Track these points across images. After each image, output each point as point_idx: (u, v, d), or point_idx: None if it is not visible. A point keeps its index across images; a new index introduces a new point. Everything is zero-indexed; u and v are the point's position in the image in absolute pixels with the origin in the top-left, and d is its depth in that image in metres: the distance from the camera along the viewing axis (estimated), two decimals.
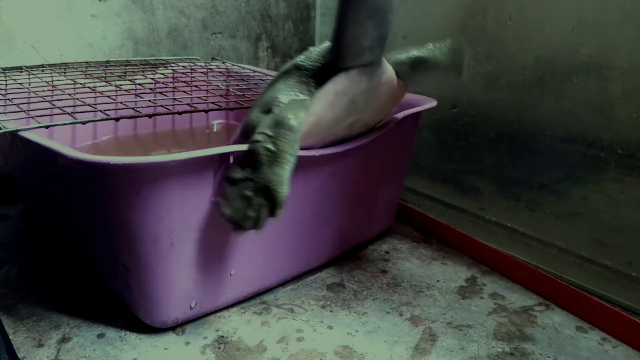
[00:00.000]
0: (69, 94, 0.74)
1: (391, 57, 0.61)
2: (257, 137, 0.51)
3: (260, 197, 0.50)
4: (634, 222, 0.65)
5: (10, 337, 0.56)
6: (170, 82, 0.89)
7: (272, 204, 0.50)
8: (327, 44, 0.59)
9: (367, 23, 0.51)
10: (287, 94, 0.56)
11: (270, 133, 0.51)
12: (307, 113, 0.53)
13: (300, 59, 0.60)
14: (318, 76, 0.57)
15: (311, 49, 0.61)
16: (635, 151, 0.64)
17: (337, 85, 0.55)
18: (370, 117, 0.63)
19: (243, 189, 0.50)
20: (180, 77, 0.91)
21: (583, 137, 0.69)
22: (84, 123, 0.60)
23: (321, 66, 0.58)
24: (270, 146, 0.50)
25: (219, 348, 0.56)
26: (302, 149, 0.56)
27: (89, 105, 0.65)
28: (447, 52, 0.62)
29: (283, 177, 0.50)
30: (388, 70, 0.59)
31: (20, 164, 0.77)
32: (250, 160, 0.51)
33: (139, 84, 0.85)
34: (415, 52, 0.62)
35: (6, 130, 0.56)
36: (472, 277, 0.72)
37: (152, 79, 0.89)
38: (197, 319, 0.60)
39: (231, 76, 0.98)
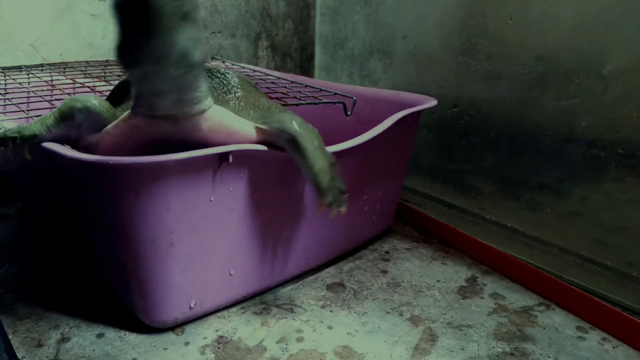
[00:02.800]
0: (69, 94, 0.74)
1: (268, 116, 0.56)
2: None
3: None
4: (634, 221, 0.65)
5: (10, 337, 0.56)
6: None
7: None
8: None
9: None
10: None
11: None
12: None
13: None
14: None
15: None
16: (635, 151, 0.63)
17: (132, 120, 0.51)
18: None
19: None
20: None
21: (583, 136, 0.69)
22: None
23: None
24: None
25: (219, 348, 0.56)
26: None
27: None
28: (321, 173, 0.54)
29: None
30: (225, 119, 0.53)
31: (20, 164, 0.76)
32: None
33: None
34: (289, 128, 0.54)
35: (6, 130, 0.55)
36: (473, 277, 0.72)
37: None
38: (197, 319, 0.60)
39: None
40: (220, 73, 0.59)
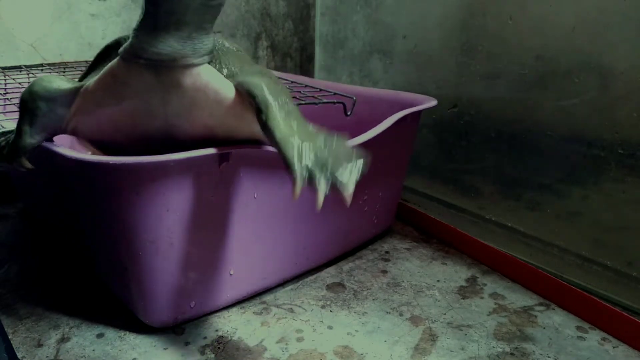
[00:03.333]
0: None
1: (244, 79, 0.49)
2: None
3: None
4: (634, 221, 0.65)
5: (10, 337, 0.56)
6: None
7: None
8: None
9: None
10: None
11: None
12: (82, 87, 0.49)
13: (125, 36, 0.51)
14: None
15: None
16: (635, 151, 0.63)
17: (115, 68, 0.47)
18: (191, 127, 0.50)
19: None
20: None
21: (583, 136, 0.69)
22: None
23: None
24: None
25: (219, 348, 0.56)
26: (97, 139, 0.53)
27: None
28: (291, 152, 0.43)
29: None
30: (213, 80, 0.48)
31: None
32: None
33: None
34: (262, 99, 0.46)
35: (5, 130, 0.55)
36: (473, 277, 0.72)
37: None
38: (197, 319, 0.60)
39: None
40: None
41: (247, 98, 0.47)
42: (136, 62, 0.46)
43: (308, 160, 0.42)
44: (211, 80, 0.48)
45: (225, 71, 0.50)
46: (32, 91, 0.50)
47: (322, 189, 0.40)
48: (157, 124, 0.49)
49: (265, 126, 0.45)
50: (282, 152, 0.43)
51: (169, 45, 0.44)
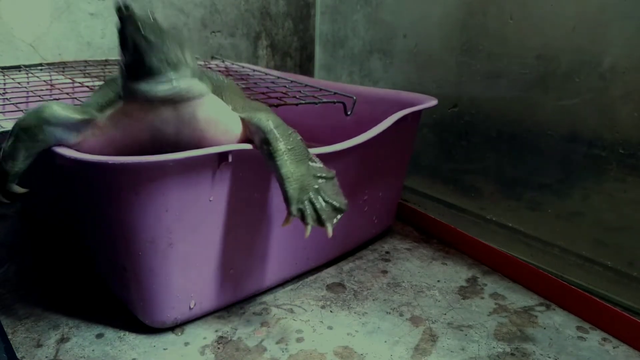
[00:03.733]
0: (68, 93, 0.74)
1: (251, 114, 0.54)
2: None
3: None
4: (635, 221, 0.65)
5: (9, 337, 0.56)
6: None
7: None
8: None
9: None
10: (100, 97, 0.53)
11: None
12: (92, 122, 0.51)
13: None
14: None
15: None
16: (636, 150, 0.63)
17: (127, 106, 0.50)
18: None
19: None
20: None
21: (584, 136, 0.69)
22: None
23: None
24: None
25: (219, 348, 0.55)
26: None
27: None
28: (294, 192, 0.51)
29: None
30: (221, 112, 0.53)
31: None
32: None
33: None
34: (271, 137, 0.51)
35: (4, 129, 0.55)
36: (473, 277, 0.72)
37: None
38: (197, 319, 0.60)
39: (230, 75, 0.97)
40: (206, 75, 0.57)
41: (256, 132, 0.53)
42: (149, 102, 0.48)
43: (304, 202, 0.50)
44: (219, 111, 0.52)
45: (230, 106, 0.54)
46: (40, 117, 0.49)
47: (309, 227, 0.50)
48: (165, 150, 0.51)
49: (270, 157, 0.51)
50: (284, 187, 0.50)
51: (173, 88, 0.47)
